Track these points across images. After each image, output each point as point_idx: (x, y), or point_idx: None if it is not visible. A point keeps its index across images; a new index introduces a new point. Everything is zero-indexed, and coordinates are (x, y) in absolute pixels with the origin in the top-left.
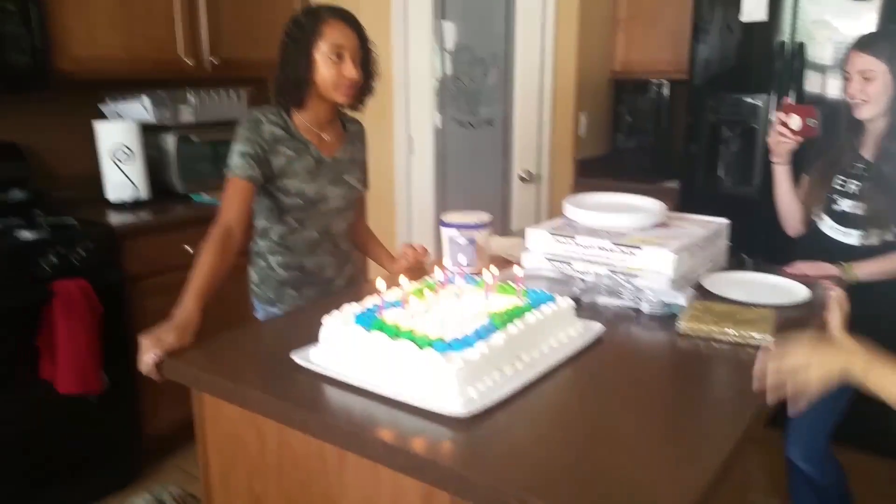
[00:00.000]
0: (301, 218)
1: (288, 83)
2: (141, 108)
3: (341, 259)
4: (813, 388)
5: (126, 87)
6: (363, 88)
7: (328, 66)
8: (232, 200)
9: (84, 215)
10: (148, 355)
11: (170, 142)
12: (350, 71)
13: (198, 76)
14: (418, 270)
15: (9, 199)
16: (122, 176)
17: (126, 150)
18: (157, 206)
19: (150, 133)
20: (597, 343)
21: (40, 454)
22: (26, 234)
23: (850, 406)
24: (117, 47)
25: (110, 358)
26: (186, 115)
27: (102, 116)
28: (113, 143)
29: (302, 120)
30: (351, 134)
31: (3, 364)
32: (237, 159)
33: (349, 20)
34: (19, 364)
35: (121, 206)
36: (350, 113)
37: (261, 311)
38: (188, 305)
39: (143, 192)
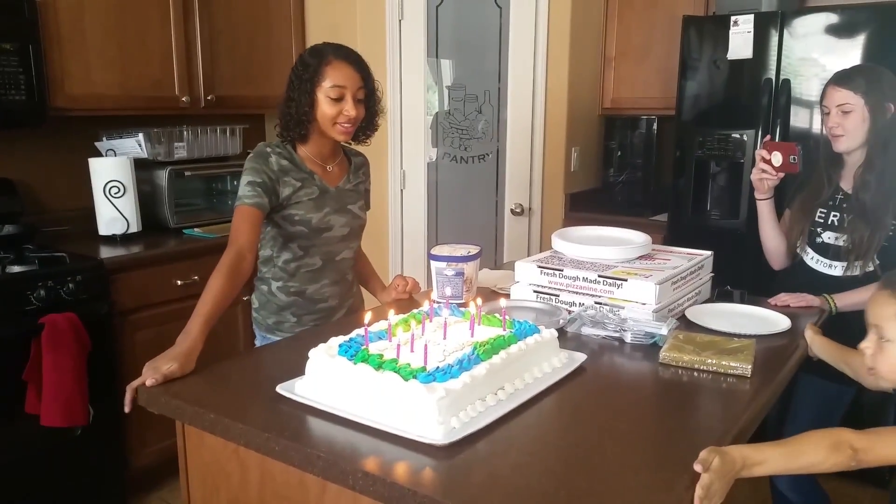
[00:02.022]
0: (306, 246)
1: (291, 119)
2: (135, 144)
3: (344, 288)
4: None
5: (121, 123)
6: (365, 125)
7: (329, 105)
8: (242, 227)
9: (75, 249)
10: (139, 381)
11: (163, 177)
12: (349, 110)
13: (193, 113)
14: (408, 302)
15: (1, 234)
16: (114, 210)
17: (119, 186)
18: (148, 240)
19: (143, 168)
20: (580, 372)
21: (25, 487)
22: (16, 268)
23: None
24: (113, 85)
25: (97, 391)
26: (180, 151)
27: (97, 152)
28: (106, 179)
29: (306, 153)
30: (355, 165)
31: None
32: (247, 189)
33: (353, 60)
34: (5, 397)
35: (112, 240)
36: (356, 146)
37: (259, 340)
38: (193, 332)
39: (134, 226)
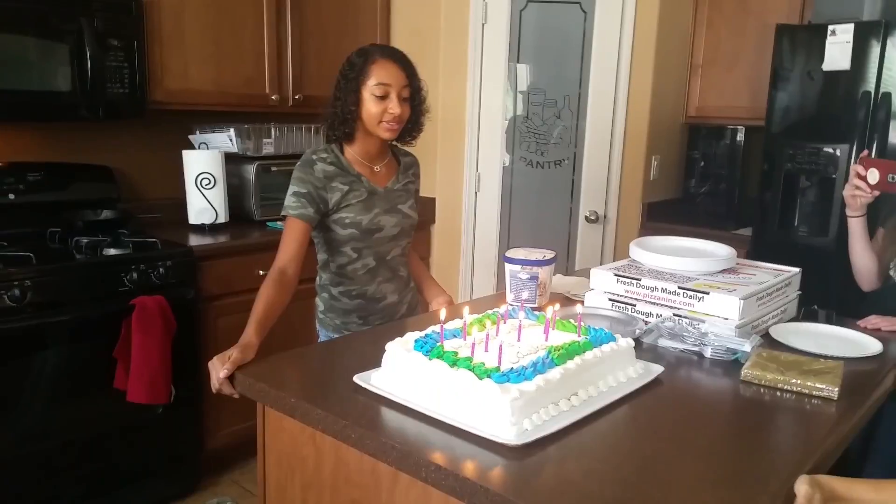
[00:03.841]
0: (358, 248)
1: (337, 118)
2: (226, 139)
3: (401, 285)
4: None
5: (214, 118)
6: (411, 126)
7: (374, 103)
8: (287, 241)
9: (166, 236)
10: (219, 372)
11: (251, 171)
12: (394, 108)
13: (281, 111)
14: (484, 302)
15: (99, 218)
16: (204, 201)
17: (210, 177)
18: (234, 230)
19: (232, 162)
20: (656, 384)
21: (106, 460)
22: (111, 251)
23: None
24: (208, 82)
25: (180, 372)
26: (268, 147)
27: (190, 145)
28: (198, 171)
29: (353, 154)
30: (404, 165)
31: (82, 371)
32: (292, 199)
33: (398, 59)
34: (97, 373)
35: (201, 229)
36: (403, 146)
37: (324, 339)
38: (248, 332)
39: (222, 216)
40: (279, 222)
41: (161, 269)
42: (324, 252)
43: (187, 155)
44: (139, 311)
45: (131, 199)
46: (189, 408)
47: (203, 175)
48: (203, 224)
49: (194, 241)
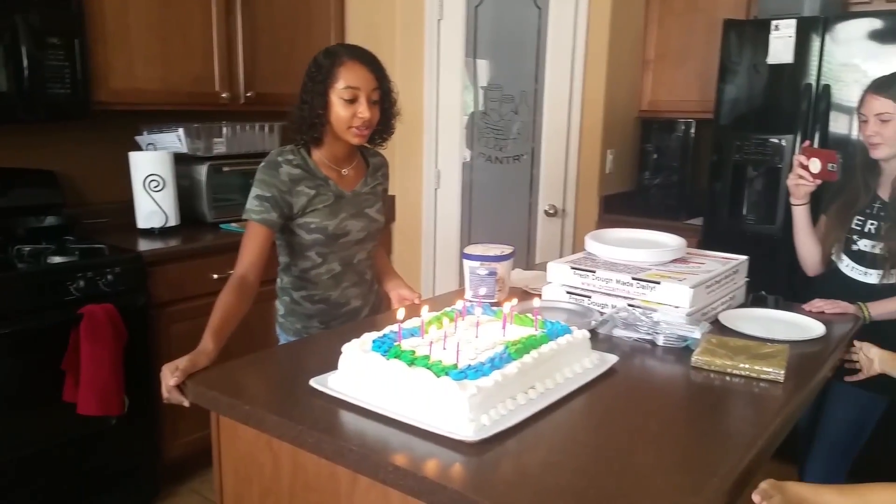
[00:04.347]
0: (323, 252)
1: (304, 122)
2: (175, 139)
3: (365, 289)
4: None
5: (162, 118)
6: (381, 128)
7: (342, 107)
8: (248, 247)
9: (114, 241)
10: (168, 381)
11: (202, 172)
12: (363, 112)
13: (232, 109)
14: (442, 300)
15: (42, 225)
16: (153, 204)
17: (158, 179)
18: (186, 233)
19: (182, 162)
20: (611, 374)
21: (60, 474)
22: (56, 259)
23: (867, 447)
24: (155, 80)
25: (133, 381)
26: (219, 146)
27: (137, 146)
28: (146, 173)
29: (321, 157)
30: (373, 167)
31: (29, 385)
32: (254, 203)
33: (367, 60)
34: (44, 385)
35: (150, 233)
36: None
37: (284, 343)
38: (205, 339)
39: (172, 219)
40: (233, 224)
41: (109, 276)
42: (286, 255)
43: (134, 157)
44: (88, 321)
45: (77, 203)
46: (144, 418)
47: (151, 177)
48: (153, 228)
49: (144, 245)
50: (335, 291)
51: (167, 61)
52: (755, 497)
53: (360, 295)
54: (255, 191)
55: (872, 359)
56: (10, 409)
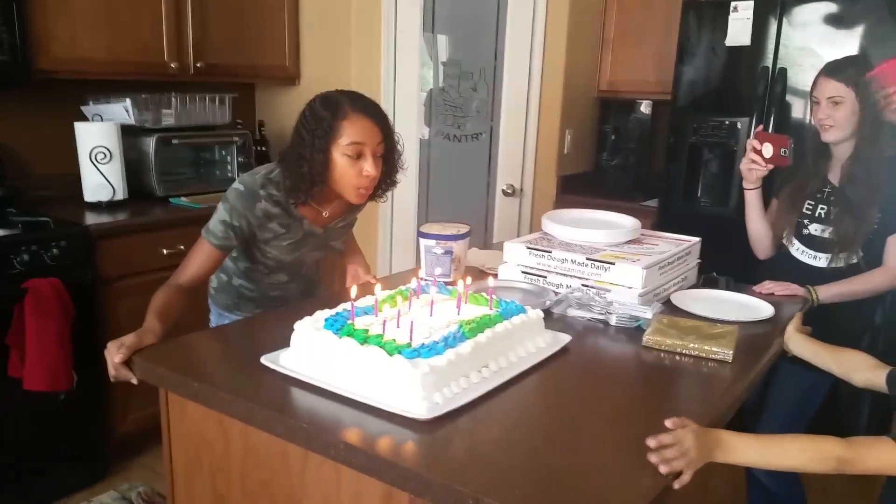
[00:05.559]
0: (274, 267)
1: (303, 181)
2: (122, 110)
3: (309, 287)
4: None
5: (108, 88)
6: (383, 182)
7: (347, 165)
8: (196, 263)
9: (59, 214)
10: (114, 357)
11: (150, 144)
12: (369, 169)
13: (182, 80)
14: (396, 278)
15: None
16: (100, 177)
17: (105, 152)
18: (134, 207)
19: (130, 135)
20: (563, 353)
21: (7, 451)
22: None
23: (813, 422)
24: (100, 49)
25: (81, 357)
26: (168, 118)
27: (83, 117)
28: (92, 144)
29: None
30: (357, 206)
31: None
32: (219, 228)
33: (371, 112)
34: None
35: (97, 207)
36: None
37: (215, 317)
38: (149, 319)
39: (120, 193)
40: (183, 199)
41: (55, 250)
42: (236, 251)
43: (80, 127)
44: (32, 295)
45: (19, 175)
46: (94, 393)
47: (98, 149)
48: (99, 201)
49: (90, 219)
50: (276, 291)
51: (113, 29)
52: (668, 422)
53: (301, 291)
54: (223, 214)
55: (786, 339)
56: None
